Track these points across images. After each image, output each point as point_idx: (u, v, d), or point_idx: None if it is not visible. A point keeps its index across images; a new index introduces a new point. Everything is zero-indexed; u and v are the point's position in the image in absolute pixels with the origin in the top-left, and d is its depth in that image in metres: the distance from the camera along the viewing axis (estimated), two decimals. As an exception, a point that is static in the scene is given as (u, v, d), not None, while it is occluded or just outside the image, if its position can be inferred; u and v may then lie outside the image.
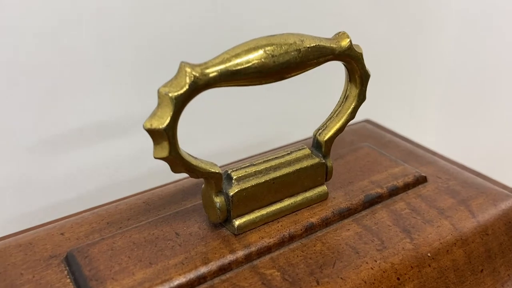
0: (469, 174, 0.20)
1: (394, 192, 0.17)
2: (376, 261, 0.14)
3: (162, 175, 0.16)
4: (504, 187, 0.21)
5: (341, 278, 0.14)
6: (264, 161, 0.15)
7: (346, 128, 0.22)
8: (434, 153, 0.24)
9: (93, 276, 0.13)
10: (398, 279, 0.14)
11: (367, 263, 0.14)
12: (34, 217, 0.21)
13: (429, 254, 0.15)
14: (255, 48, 0.13)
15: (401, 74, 0.40)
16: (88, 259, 0.14)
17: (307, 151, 0.16)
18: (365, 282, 0.14)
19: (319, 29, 0.19)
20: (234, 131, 0.26)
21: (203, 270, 0.13)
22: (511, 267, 0.16)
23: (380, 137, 0.22)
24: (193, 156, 0.14)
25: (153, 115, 0.12)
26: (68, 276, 0.13)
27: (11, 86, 0.21)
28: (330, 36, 0.15)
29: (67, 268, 0.14)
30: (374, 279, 0.14)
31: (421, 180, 0.18)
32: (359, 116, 0.25)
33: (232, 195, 0.14)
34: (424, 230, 0.15)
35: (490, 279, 0.15)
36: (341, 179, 0.17)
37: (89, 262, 0.14)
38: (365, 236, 0.15)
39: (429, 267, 0.14)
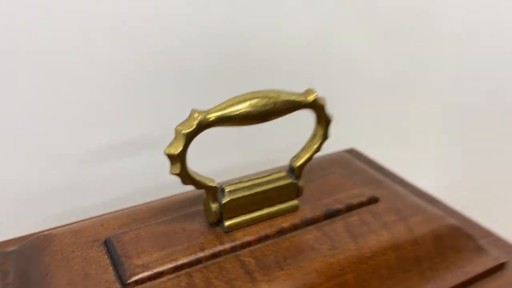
0: (417, 198, 0.24)
1: (350, 208, 0.21)
2: (326, 257, 0.19)
3: (176, 186, 0.21)
4: (445, 209, 0.25)
5: (299, 266, 0.18)
6: (250, 180, 0.20)
7: (326, 156, 0.27)
8: (398, 180, 0.29)
9: (124, 254, 0.18)
10: (341, 270, 0.18)
11: (319, 257, 0.19)
12: (82, 212, 0.26)
13: (367, 254, 0.19)
14: (243, 101, 0.18)
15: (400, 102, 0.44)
16: (120, 243, 0.19)
17: (283, 173, 0.21)
18: (316, 271, 0.18)
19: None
20: (233, 157, 0.31)
21: (200, 255, 0.18)
22: (436, 270, 0.20)
23: (353, 165, 0.27)
24: (197, 173, 0.19)
25: (171, 144, 0.17)
26: (106, 255, 0.18)
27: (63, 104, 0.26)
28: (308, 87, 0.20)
29: (105, 248, 0.19)
30: (323, 269, 0.18)
31: (373, 200, 0.22)
32: (349, 143, 0.30)
33: (224, 203, 0.19)
34: (368, 237, 0.20)
35: (416, 278, 0.20)
36: (311, 196, 0.22)
37: (121, 245, 0.18)
38: (321, 239, 0.20)
39: (366, 264, 0.19)
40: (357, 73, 0.39)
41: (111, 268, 0.18)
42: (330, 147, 0.24)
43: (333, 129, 0.21)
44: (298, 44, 0.33)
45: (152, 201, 0.23)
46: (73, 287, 0.17)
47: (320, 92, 0.20)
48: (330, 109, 0.20)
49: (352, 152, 0.33)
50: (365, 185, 0.24)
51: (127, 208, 0.22)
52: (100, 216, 0.21)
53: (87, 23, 0.25)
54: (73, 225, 0.21)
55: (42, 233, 0.20)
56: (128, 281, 0.17)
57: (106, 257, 0.18)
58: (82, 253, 0.18)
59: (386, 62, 0.40)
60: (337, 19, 0.35)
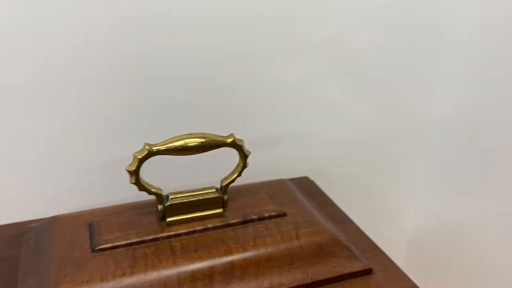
0: (322, 218, 0.32)
1: (261, 218, 0.30)
2: (229, 247, 0.27)
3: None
4: (349, 227, 0.33)
5: (208, 252, 0.27)
6: (188, 192, 0.29)
7: (270, 181, 0.35)
8: (323, 204, 0.36)
9: (97, 232, 0.28)
10: (234, 255, 0.27)
11: (224, 247, 0.27)
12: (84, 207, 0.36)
13: (258, 249, 0.27)
14: (179, 140, 0.27)
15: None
16: (97, 225, 0.28)
17: (213, 189, 0.30)
18: (218, 255, 0.27)
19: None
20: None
21: (145, 237, 0.27)
22: (312, 266, 0.28)
23: (285, 189, 0.35)
24: (149, 184, 0.28)
25: (130, 164, 0.27)
26: (88, 232, 0.28)
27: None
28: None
29: (88, 228, 0.28)
30: (223, 254, 0.27)
31: (281, 215, 0.30)
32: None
33: (167, 206, 0.28)
34: (265, 239, 0.28)
35: (296, 269, 0.28)
36: (237, 208, 0.31)
37: (97, 227, 0.28)
38: (231, 237, 0.28)
39: (256, 255, 0.27)
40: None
41: (88, 240, 0.27)
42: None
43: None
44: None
45: (131, 202, 0.32)
46: (64, 249, 0.27)
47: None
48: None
49: (302, 179, 0.41)
50: (281, 204, 0.32)
51: (112, 205, 0.32)
52: (93, 208, 0.31)
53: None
54: (74, 212, 0.31)
55: (53, 216, 0.30)
56: (95, 249, 0.26)
57: (87, 234, 0.28)
58: (74, 230, 0.28)
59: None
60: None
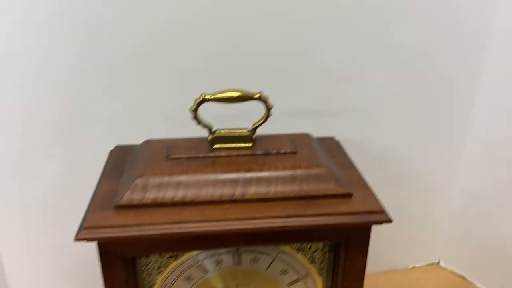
0: (324, 157, 0.43)
1: (278, 153, 0.42)
2: (251, 166, 0.40)
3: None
4: (332, 167, 0.44)
5: (237, 167, 0.40)
6: (230, 129, 0.43)
7: (291, 133, 0.47)
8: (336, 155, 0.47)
9: (171, 150, 0.43)
10: (255, 169, 0.40)
11: (248, 166, 0.40)
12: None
13: (270, 169, 0.40)
14: (223, 92, 0.41)
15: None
16: (171, 146, 0.43)
17: (246, 130, 0.43)
18: (244, 170, 0.40)
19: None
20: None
21: (199, 155, 0.42)
22: (302, 187, 0.40)
23: (306, 139, 0.47)
24: (204, 120, 0.42)
25: (192, 105, 0.41)
26: (165, 149, 0.43)
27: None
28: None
29: (165, 147, 0.44)
30: (247, 169, 0.40)
31: (293, 152, 0.42)
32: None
33: (214, 136, 0.42)
34: (276, 163, 0.41)
35: (295, 186, 0.40)
36: (260, 145, 0.43)
37: (171, 147, 0.43)
38: (255, 160, 0.41)
39: (267, 171, 0.40)
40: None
41: (165, 153, 0.43)
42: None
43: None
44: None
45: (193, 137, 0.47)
46: (150, 156, 0.42)
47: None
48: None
49: (328, 139, 0.52)
50: (296, 147, 0.44)
51: (181, 137, 0.47)
52: (169, 138, 0.47)
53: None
54: (158, 139, 0.46)
55: (146, 140, 0.46)
56: (168, 157, 0.41)
57: (165, 150, 0.43)
58: (158, 148, 0.44)
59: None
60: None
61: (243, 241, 0.39)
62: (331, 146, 0.50)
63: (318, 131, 0.51)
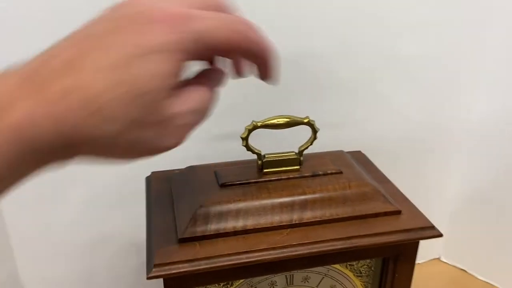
0: (366, 175, 0.44)
1: (325, 174, 0.43)
2: (303, 188, 0.41)
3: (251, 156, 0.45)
4: (388, 186, 0.45)
5: (290, 191, 0.41)
6: (278, 153, 0.43)
7: (332, 151, 0.48)
8: (370, 171, 0.48)
9: (221, 176, 0.43)
10: (306, 193, 0.41)
11: (300, 188, 0.41)
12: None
13: (323, 190, 0.41)
14: (273, 119, 0.41)
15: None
16: (220, 172, 0.43)
17: (293, 153, 0.43)
18: (296, 192, 0.41)
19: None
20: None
21: (251, 180, 0.42)
22: (356, 205, 0.41)
23: (342, 157, 0.48)
24: (253, 147, 0.42)
25: (242, 133, 0.41)
26: (214, 175, 0.43)
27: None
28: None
29: (214, 174, 0.44)
30: (301, 192, 0.41)
31: (339, 172, 0.44)
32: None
33: (264, 161, 0.43)
34: (328, 184, 0.42)
35: (345, 206, 0.41)
36: (310, 166, 0.44)
37: (220, 172, 0.43)
38: (305, 183, 0.42)
39: (321, 193, 0.41)
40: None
41: (215, 180, 0.42)
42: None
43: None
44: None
45: (241, 159, 0.47)
46: (201, 185, 0.42)
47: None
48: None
49: (356, 152, 0.54)
50: (339, 166, 0.45)
51: (229, 161, 0.47)
52: (216, 162, 0.46)
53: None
54: (203, 164, 0.46)
55: (189, 166, 0.46)
56: (221, 184, 0.41)
57: (214, 176, 0.43)
58: (205, 175, 0.44)
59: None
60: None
61: (302, 264, 0.40)
62: (362, 160, 0.51)
63: (334, 143, 0.53)
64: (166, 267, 0.35)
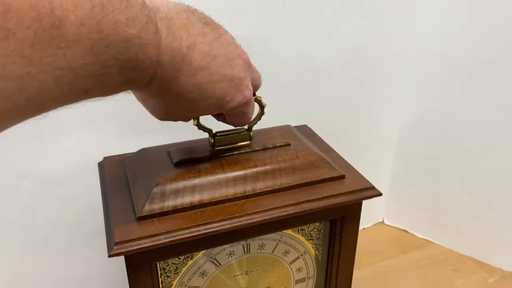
0: (312, 146, 0.47)
1: (275, 146, 0.46)
2: (253, 161, 0.43)
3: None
4: (321, 153, 0.49)
5: (240, 164, 0.43)
6: (229, 131, 0.45)
7: (281, 126, 0.50)
8: (316, 142, 0.52)
9: (174, 155, 0.44)
10: (257, 166, 0.43)
11: (251, 161, 0.43)
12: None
13: (273, 161, 0.43)
14: (223, 97, 0.43)
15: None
16: (173, 152, 0.44)
17: (243, 129, 0.45)
18: (246, 165, 0.43)
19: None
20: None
21: (205, 157, 0.43)
22: (305, 172, 0.44)
23: (289, 130, 0.50)
24: (204, 126, 0.44)
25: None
26: (167, 155, 0.44)
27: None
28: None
29: (167, 154, 0.44)
30: (250, 165, 0.43)
31: (287, 145, 0.46)
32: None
33: (216, 139, 0.44)
34: (277, 157, 0.44)
35: (293, 175, 0.43)
36: (259, 141, 0.46)
37: (173, 153, 0.44)
38: (255, 156, 0.44)
39: (270, 165, 0.43)
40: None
41: (169, 160, 0.43)
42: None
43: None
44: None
45: (194, 139, 0.48)
46: (154, 166, 0.43)
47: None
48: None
49: (302, 127, 0.57)
50: (287, 139, 0.48)
51: (181, 141, 0.47)
52: (168, 143, 0.47)
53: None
54: (156, 146, 0.47)
55: (142, 148, 0.46)
56: (175, 163, 0.42)
57: (167, 156, 0.44)
58: (158, 155, 0.44)
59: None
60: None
61: (258, 231, 0.42)
62: (308, 133, 0.54)
63: (280, 120, 0.55)
64: (127, 244, 0.36)
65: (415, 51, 0.70)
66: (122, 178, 0.44)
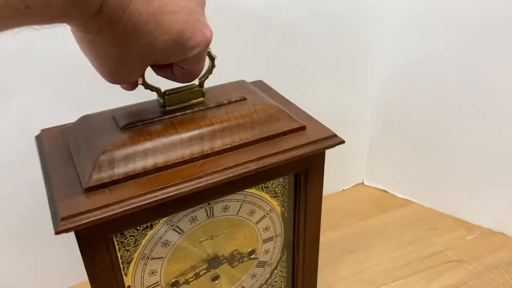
0: (272, 102, 0.45)
1: (230, 102, 0.42)
2: (207, 119, 0.40)
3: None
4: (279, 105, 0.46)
5: (195, 122, 0.39)
6: (180, 88, 0.41)
7: (236, 81, 0.47)
8: (273, 96, 0.49)
9: (120, 119, 0.39)
10: (213, 123, 0.40)
11: (206, 119, 0.40)
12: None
13: (228, 117, 0.40)
14: (169, 50, 0.38)
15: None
16: (119, 116, 0.40)
17: (195, 85, 0.41)
18: (202, 124, 0.39)
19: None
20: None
21: (154, 119, 0.39)
22: (264, 125, 0.41)
23: (245, 85, 0.47)
24: (151, 84, 0.39)
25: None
26: (113, 120, 0.40)
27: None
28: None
29: (113, 119, 0.40)
30: (205, 123, 0.39)
31: (243, 99, 0.43)
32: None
33: (165, 98, 0.40)
34: (234, 111, 0.41)
35: (251, 129, 0.41)
36: (214, 97, 0.43)
37: (119, 117, 0.40)
38: (210, 113, 0.41)
39: (227, 122, 0.40)
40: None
41: (115, 124, 0.39)
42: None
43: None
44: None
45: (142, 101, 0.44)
46: (99, 132, 0.38)
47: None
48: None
49: (258, 82, 0.54)
50: (243, 93, 0.44)
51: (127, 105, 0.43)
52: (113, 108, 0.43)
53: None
54: (99, 111, 0.42)
55: (83, 115, 0.42)
56: (122, 127, 0.38)
57: (113, 121, 0.40)
58: (102, 122, 0.40)
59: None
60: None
61: (220, 192, 0.40)
62: (264, 88, 0.52)
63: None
64: (75, 219, 0.32)
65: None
66: (63, 149, 0.40)
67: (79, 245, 0.34)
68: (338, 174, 0.78)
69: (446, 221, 0.73)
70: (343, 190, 0.83)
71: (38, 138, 0.43)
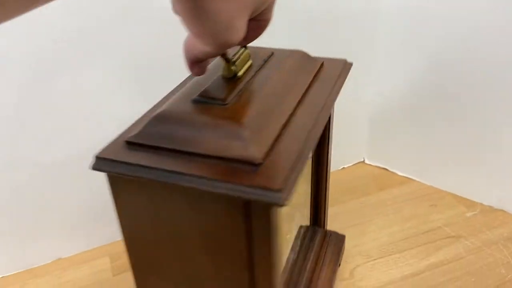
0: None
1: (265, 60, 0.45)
2: (260, 69, 0.46)
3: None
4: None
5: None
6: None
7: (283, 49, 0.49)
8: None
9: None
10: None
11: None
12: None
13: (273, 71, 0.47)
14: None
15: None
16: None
17: (247, 50, 0.49)
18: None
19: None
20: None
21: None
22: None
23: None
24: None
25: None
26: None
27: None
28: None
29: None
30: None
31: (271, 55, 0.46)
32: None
33: (234, 66, 0.40)
34: (281, 65, 0.45)
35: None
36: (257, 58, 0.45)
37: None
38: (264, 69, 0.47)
39: (269, 69, 0.46)
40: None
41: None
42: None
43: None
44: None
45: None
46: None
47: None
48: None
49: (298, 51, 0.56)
50: (265, 52, 0.46)
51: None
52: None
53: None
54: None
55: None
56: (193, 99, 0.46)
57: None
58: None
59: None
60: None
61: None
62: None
63: None
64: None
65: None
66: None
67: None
68: (338, 152, 0.71)
69: (447, 198, 0.72)
70: (343, 168, 0.82)
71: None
